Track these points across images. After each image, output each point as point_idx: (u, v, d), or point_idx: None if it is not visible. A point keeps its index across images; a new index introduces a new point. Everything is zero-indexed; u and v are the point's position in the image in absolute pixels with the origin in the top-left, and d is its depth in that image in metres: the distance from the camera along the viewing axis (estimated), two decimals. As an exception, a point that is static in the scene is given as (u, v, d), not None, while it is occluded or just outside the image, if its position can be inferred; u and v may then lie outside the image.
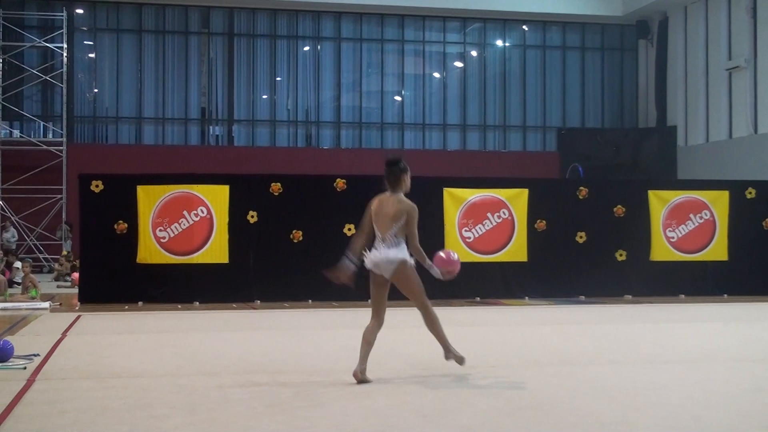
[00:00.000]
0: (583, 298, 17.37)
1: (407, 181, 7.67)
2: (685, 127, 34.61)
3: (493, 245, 17.32)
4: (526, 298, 17.07)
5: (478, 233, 17.23)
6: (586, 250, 17.80)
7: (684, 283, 18.09)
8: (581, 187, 17.90)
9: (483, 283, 17.16)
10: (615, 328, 11.96)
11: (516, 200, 17.43)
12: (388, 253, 7.38)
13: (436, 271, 7.57)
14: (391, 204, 7.52)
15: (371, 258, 7.43)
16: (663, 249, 17.96)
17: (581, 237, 17.73)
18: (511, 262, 17.33)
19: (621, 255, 17.93)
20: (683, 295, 17.79)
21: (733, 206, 18.21)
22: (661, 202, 18.07)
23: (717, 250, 18.13)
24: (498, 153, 35.60)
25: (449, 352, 7.74)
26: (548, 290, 17.39)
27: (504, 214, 17.40)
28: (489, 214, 17.31)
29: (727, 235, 18.14)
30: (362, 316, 10.17)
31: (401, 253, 7.41)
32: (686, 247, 18.05)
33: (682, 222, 18.09)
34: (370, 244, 7.50)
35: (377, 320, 7.45)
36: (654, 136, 34.85)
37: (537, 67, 36.13)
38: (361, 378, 7.26)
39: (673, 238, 18.07)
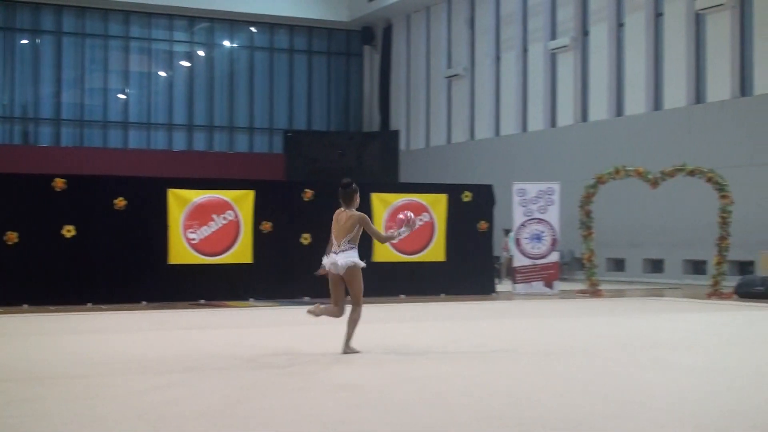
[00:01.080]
0: (307, 299, 17.56)
1: (357, 199, 9.42)
2: (407, 131, 35.89)
3: (218, 247, 17.15)
4: (251, 299, 17.04)
5: (203, 235, 17.01)
6: (311, 252, 17.99)
7: (404, 283, 18.69)
8: (306, 189, 18.08)
9: (208, 285, 16.96)
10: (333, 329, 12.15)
11: (242, 202, 17.35)
12: (342, 257, 9.24)
13: (404, 231, 9.38)
14: (344, 218, 9.35)
15: (329, 260, 9.32)
16: (385, 250, 18.47)
17: (306, 239, 17.91)
18: (237, 263, 17.24)
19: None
20: (403, 295, 18.39)
21: (451, 209, 19.01)
22: (383, 205, 18.59)
23: (435, 252, 18.86)
24: (225, 154, 35.36)
25: (347, 347, 9.38)
26: (273, 291, 17.45)
27: (230, 215, 17.27)
28: (214, 216, 17.13)
29: (445, 236, 18.91)
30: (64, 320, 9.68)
31: (352, 257, 9.24)
32: (407, 248, 18.64)
33: (401, 225, 18.70)
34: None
35: (338, 307, 9.38)
36: (377, 140, 35.87)
37: (264, 68, 36.23)
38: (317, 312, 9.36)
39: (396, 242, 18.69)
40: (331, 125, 37.34)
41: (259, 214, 17.54)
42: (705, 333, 11.72)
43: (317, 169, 34.33)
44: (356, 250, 9.34)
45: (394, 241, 9.77)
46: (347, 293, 9.40)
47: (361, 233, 9.34)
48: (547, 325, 12.46)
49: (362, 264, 9.27)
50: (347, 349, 9.36)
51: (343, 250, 9.31)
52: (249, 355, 9.22)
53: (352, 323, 9.39)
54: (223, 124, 35.67)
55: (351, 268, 9.25)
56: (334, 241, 9.43)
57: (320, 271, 9.55)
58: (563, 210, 20.59)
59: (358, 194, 9.45)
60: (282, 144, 35.85)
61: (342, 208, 9.49)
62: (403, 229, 9.45)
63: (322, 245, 17.75)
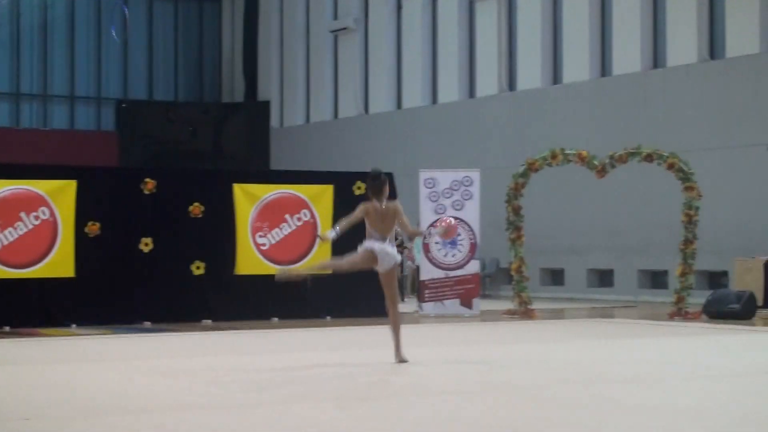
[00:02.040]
0: (149, 324, 17.40)
1: (387, 191, 11.41)
2: (281, 103, 35.84)
3: (27, 256, 16.84)
4: (73, 326, 16.82)
5: (6, 240, 16.73)
6: (153, 262, 17.84)
7: (277, 302, 18.63)
8: (147, 179, 17.94)
9: (14, 307, 16.69)
10: (180, 364, 12.08)
11: (59, 195, 17.04)
12: (392, 250, 11.30)
13: (437, 232, 11.68)
14: (390, 211, 11.31)
15: (380, 247, 11.28)
16: (252, 260, 18.44)
17: (147, 244, 17.76)
18: (53, 278, 17.00)
19: (198, 268, 18.19)
20: (276, 318, 18.38)
21: (339, 205, 19.02)
22: (250, 200, 18.53)
23: (317, 257, 18.86)
24: (36, 131, 34.75)
25: (399, 353, 11.47)
26: (103, 315, 17.25)
27: (43, 214, 16.98)
28: (23, 215, 16.81)
29: (330, 241, 18.94)
30: None
31: (397, 254, 11.35)
32: (281, 256, 18.63)
33: (277, 225, 18.67)
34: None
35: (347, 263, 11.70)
36: (241, 114, 35.73)
37: (89, 18, 35.71)
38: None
39: (264, 245, 18.58)
40: (180, 94, 37.04)
41: (84, 212, 17.32)
42: (664, 364, 12.02)
43: (161, 151, 34.02)
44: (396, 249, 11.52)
45: (422, 238, 12.45)
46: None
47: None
48: (462, 356, 12.60)
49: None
50: (401, 358, 11.45)
51: (391, 245, 11.34)
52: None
53: (397, 327, 11.50)
54: (34, 92, 35.02)
55: (394, 268, 11.39)
56: (382, 236, 11.33)
57: (325, 236, 11.70)
58: (485, 206, 20.84)
59: (387, 186, 11.45)
60: (114, 119, 35.41)
61: (373, 201, 11.39)
62: (439, 229, 11.59)
63: (167, 252, 17.89)
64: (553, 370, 11.38)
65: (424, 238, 11.62)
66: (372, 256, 11.34)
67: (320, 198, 19.10)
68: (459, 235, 18.72)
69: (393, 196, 19.40)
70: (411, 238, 11.46)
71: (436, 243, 20.10)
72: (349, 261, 11.61)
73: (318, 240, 11.47)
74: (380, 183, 11.44)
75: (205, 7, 37.52)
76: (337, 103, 33.89)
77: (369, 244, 11.38)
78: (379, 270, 11.44)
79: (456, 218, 20.16)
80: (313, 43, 34.65)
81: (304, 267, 11.71)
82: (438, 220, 11.77)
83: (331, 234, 11.52)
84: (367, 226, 11.45)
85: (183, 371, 11.25)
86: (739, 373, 11.05)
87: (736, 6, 23.84)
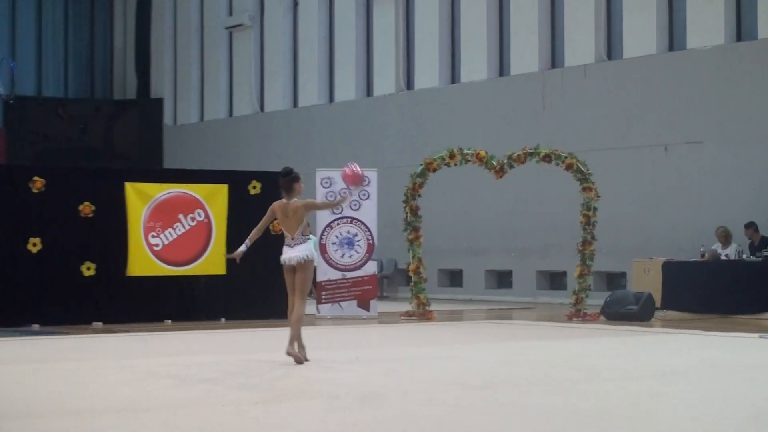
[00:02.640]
0: (37, 327, 17.18)
1: (299, 188, 11.90)
2: (174, 100, 35.50)
3: None
4: (-45, 330, 16.56)
5: None
6: (41, 262, 17.64)
7: (171, 304, 18.58)
8: (36, 177, 17.74)
9: None
10: (67, 368, 11.86)
11: (-58, 194, 16.83)
12: (297, 250, 11.78)
13: (353, 190, 12.50)
14: (292, 210, 11.83)
15: (285, 255, 11.86)
16: (145, 260, 18.24)
17: (35, 245, 17.56)
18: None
19: (89, 269, 18.00)
20: (170, 321, 18.26)
21: (234, 205, 18.93)
22: (142, 199, 18.34)
23: (212, 262, 18.75)
24: None
25: (292, 347, 11.75)
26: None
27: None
28: None
29: (225, 241, 18.83)
30: None
31: (307, 250, 11.83)
32: (174, 257, 18.46)
33: (170, 225, 18.50)
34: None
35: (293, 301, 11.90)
36: (134, 112, 35.33)
37: (-27, 10, 34.99)
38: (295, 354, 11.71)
39: (157, 245, 18.41)
40: (70, 90, 36.49)
41: (-34, 212, 17.02)
42: (562, 366, 12.08)
43: (50, 149, 33.48)
44: (311, 241, 12.04)
45: (344, 204, 13.47)
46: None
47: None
48: (357, 359, 12.55)
49: (315, 259, 11.93)
50: (291, 350, 11.67)
51: (297, 243, 11.82)
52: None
53: (296, 322, 11.75)
54: None
55: (306, 262, 11.77)
56: (287, 234, 11.92)
57: (234, 256, 12.38)
58: (383, 206, 20.83)
59: (300, 182, 11.91)
60: (1, 115, 34.74)
61: (283, 200, 11.90)
62: (351, 187, 12.18)
63: (56, 252, 17.64)
64: (449, 372, 11.35)
65: (349, 197, 12.24)
66: (288, 269, 11.91)
67: (215, 197, 18.98)
68: (367, 179, 18.61)
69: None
70: (326, 208, 12.14)
71: (333, 244, 20.06)
72: (290, 295, 12.02)
73: (229, 257, 11.60)
74: (290, 179, 11.92)
75: (96, 0, 37.02)
76: (232, 101, 33.68)
77: (282, 258, 11.95)
78: (295, 266, 11.86)
79: (353, 218, 20.24)
80: (207, 40, 34.39)
81: (293, 334, 11.77)
82: (343, 173, 12.21)
83: (242, 248, 12.26)
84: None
85: (68, 373, 11.02)
86: (638, 376, 11.13)
87: (634, 7, 24.12)
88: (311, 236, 11.98)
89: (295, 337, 11.81)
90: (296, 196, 11.94)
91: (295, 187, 11.91)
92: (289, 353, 11.72)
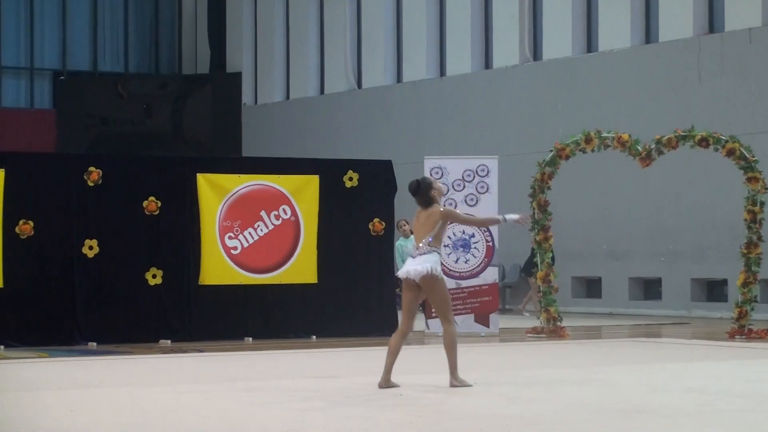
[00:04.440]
0: (94, 345, 17.39)
1: (434, 194, 12.36)
2: (254, 75, 35.76)
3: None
4: (1, 347, 16.86)
5: None
6: (99, 269, 17.82)
7: (253, 319, 18.76)
8: (91, 168, 17.88)
9: None
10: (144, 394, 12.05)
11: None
12: (418, 261, 12.07)
13: (514, 218, 12.73)
14: (424, 216, 12.30)
15: (405, 267, 12.25)
16: (221, 267, 18.41)
17: (91, 248, 17.75)
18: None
19: (155, 276, 18.15)
20: (251, 339, 18.43)
21: (327, 199, 19.02)
22: (218, 193, 18.51)
23: (301, 268, 18.87)
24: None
25: (456, 379, 12.18)
26: (37, 335, 17.35)
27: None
28: None
29: (316, 244, 18.94)
30: None
31: (431, 261, 12.06)
32: (256, 263, 18.60)
33: (251, 224, 18.63)
34: None
35: (405, 324, 12.33)
36: (206, 89, 35.60)
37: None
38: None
39: (236, 249, 18.55)
40: (131, 65, 36.93)
41: (13, 209, 17.30)
42: (722, 393, 11.97)
43: (108, 133, 33.93)
44: (438, 255, 12.21)
45: (495, 225, 14.15)
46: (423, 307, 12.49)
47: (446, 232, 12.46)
48: (475, 384, 12.55)
49: (439, 275, 12.14)
50: (455, 382, 12.13)
51: (421, 254, 12.15)
52: None
53: (449, 348, 12.16)
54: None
55: (427, 277, 12.03)
56: (415, 244, 12.37)
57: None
58: (505, 201, 20.81)
59: (433, 188, 12.39)
60: (50, 94, 35.32)
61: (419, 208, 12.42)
62: (516, 216, 12.73)
63: (116, 257, 17.84)
64: (586, 400, 11.34)
65: (504, 221, 12.86)
66: (408, 285, 12.26)
67: (304, 191, 19.08)
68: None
69: (393, 187, 19.57)
70: (478, 224, 12.50)
71: (445, 246, 20.09)
72: (404, 312, 12.45)
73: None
74: (422, 191, 12.38)
75: (162, -42, 37.40)
76: (324, 76, 33.79)
77: (400, 271, 12.58)
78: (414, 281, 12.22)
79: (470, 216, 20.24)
80: (293, 4, 34.57)
81: (451, 362, 12.26)
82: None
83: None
84: None
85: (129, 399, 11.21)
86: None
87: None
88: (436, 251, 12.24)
89: (453, 366, 12.23)
90: (434, 203, 12.36)
91: (429, 195, 12.37)
92: (453, 385, 12.19)
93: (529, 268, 23.09)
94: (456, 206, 19.97)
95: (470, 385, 12.15)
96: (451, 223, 12.69)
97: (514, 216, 12.78)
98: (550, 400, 11.41)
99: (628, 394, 11.94)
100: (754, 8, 24.48)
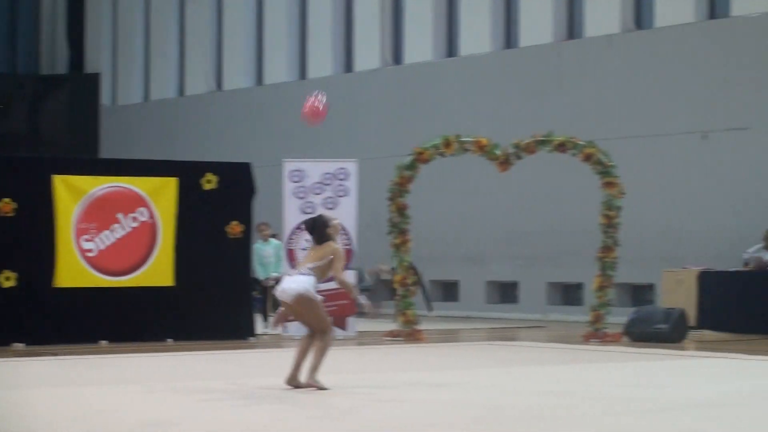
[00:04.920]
0: None
1: (331, 233, 12.53)
2: (113, 76, 35.46)
3: None
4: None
5: None
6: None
7: (108, 321, 18.56)
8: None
9: None
10: None
11: None
12: (294, 281, 12.35)
13: (362, 301, 13.32)
14: (325, 246, 12.51)
15: (282, 285, 12.49)
16: (76, 269, 18.24)
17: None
18: None
19: (8, 279, 17.95)
20: (106, 342, 18.29)
21: (185, 202, 18.92)
22: (74, 195, 18.33)
23: (158, 271, 18.78)
24: None
25: (311, 378, 12.28)
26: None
27: None
28: None
29: (173, 246, 18.83)
30: None
31: (306, 282, 12.24)
32: (111, 265, 18.46)
33: (107, 226, 18.49)
34: None
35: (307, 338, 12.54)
36: (64, 90, 35.22)
37: None
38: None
39: (91, 251, 18.40)
40: (-14, 63, 36.42)
41: None
42: (575, 396, 12.09)
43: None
44: (314, 279, 12.27)
45: (355, 298, 13.49)
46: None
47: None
48: (325, 391, 12.54)
49: (315, 295, 12.27)
50: (311, 381, 12.22)
51: (300, 273, 12.35)
52: None
53: (319, 350, 12.32)
54: None
55: (300, 298, 12.21)
56: (300, 262, 12.80)
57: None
58: (363, 204, 20.84)
59: (329, 226, 12.53)
60: None
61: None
62: (364, 303, 13.31)
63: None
64: (439, 404, 11.36)
65: (359, 297, 13.44)
66: (282, 303, 12.55)
67: (161, 193, 18.99)
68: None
69: (252, 190, 19.50)
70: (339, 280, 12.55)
71: (303, 249, 20.05)
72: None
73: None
74: (319, 228, 12.57)
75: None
76: (184, 78, 33.64)
77: (277, 289, 12.71)
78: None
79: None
80: (154, 4, 34.37)
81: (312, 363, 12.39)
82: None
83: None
84: None
85: None
86: (667, 408, 11.16)
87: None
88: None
89: (315, 366, 12.33)
90: (332, 240, 12.55)
91: (327, 234, 12.55)
92: (308, 383, 12.29)
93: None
94: (315, 209, 19.99)
95: (326, 389, 12.16)
96: (334, 261, 12.52)
97: (363, 301, 13.34)
98: (406, 403, 11.41)
99: (482, 396, 11.99)
100: (612, 15, 24.83)
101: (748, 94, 22.79)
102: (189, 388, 12.55)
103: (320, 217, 12.87)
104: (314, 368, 12.27)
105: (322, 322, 12.43)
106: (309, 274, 12.25)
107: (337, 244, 12.62)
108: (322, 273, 12.38)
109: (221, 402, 11.38)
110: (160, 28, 34.05)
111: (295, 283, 12.26)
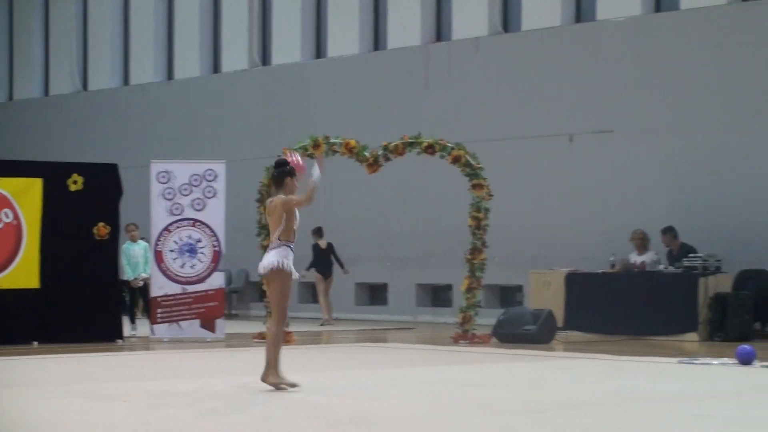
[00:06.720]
0: None
1: (290, 183, 12.23)
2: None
3: None
4: None
5: None
6: None
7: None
8: None
9: None
10: None
11: None
12: (265, 257, 12.21)
13: (316, 173, 12.42)
14: (271, 209, 12.21)
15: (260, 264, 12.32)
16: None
17: None
18: None
19: None
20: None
21: (50, 203, 18.72)
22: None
23: (23, 273, 18.57)
24: None
25: (268, 374, 12.12)
26: None
27: None
28: None
29: (39, 248, 18.62)
30: None
31: (275, 257, 12.06)
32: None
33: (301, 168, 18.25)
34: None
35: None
36: None
37: None
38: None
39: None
40: None
41: None
42: (444, 398, 12.12)
43: None
44: (286, 249, 12.15)
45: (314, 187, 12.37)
46: None
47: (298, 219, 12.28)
48: (185, 393, 12.46)
49: (288, 269, 12.07)
50: (270, 378, 12.09)
51: (271, 248, 12.19)
52: None
53: (269, 344, 12.18)
54: None
55: (272, 271, 12.07)
56: (270, 239, 12.36)
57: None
58: (232, 206, 20.75)
59: (293, 177, 12.26)
60: None
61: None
62: (316, 170, 12.39)
63: None
64: (306, 407, 11.32)
65: (318, 182, 12.44)
66: (263, 281, 12.79)
67: (26, 194, 18.80)
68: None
69: (119, 191, 19.34)
70: (310, 201, 12.28)
71: (171, 251, 19.93)
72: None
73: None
74: (281, 172, 12.37)
75: None
76: (48, 77, 33.25)
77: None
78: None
79: (195, 221, 20.15)
80: (17, 2, 33.94)
81: (268, 358, 12.23)
82: (292, 161, 12.58)
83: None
84: None
85: None
86: (535, 410, 11.21)
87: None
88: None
89: (272, 363, 12.18)
90: (285, 192, 12.29)
91: (286, 183, 12.30)
92: (264, 380, 12.20)
93: (323, 268, 24.53)
94: (183, 211, 19.85)
95: (295, 385, 12.20)
96: (289, 210, 12.25)
97: (316, 170, 12.55)
98: (270, 405, 11.36)
99: (350, 400, 11.96)
100: (480, 18, 24.98)
101: (613, 97, 23.04)
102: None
103: (281, 163, 12.53)
104: (269, 364, 12.13)
105: (277, 305, 12.23)
106: (277, 246, 12.14)
107: (280, 197, 12.21)
108: (290, 233, 12.22)
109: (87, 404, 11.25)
110: (25, 27, 33.60)
111: (266, 258, 12.19)
